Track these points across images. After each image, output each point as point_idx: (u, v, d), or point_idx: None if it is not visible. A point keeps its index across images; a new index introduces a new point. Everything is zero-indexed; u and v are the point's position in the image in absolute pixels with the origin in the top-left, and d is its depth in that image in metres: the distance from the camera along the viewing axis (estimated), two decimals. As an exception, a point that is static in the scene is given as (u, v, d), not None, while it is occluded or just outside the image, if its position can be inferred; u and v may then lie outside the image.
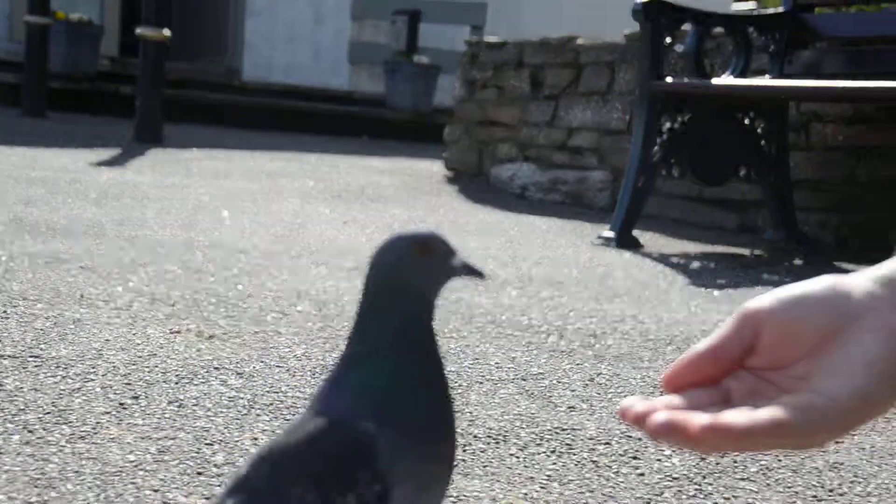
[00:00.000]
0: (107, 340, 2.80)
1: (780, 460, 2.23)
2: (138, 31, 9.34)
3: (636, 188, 5.43)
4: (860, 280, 0.98)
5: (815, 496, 2.05)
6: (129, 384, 2.44)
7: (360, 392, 1.16)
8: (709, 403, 0.97)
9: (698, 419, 0.90)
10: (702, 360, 0.99)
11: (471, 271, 1.18)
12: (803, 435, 0.91)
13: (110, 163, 7.50)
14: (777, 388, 0.97)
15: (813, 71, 5.66)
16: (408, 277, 1.17)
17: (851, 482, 2.14)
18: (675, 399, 0.98)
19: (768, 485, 2.10)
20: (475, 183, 7.93)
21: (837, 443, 2.35)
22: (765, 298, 0.99)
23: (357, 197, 6.83)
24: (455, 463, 1.20)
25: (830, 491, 2.09)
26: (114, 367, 2.57)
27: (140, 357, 2.67)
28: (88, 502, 1.79)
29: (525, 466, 2.13)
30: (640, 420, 0.91)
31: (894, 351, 0.92)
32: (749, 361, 0.99)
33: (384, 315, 1.17)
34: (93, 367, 2.55)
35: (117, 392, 2.38)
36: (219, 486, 1.90)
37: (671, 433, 0.89)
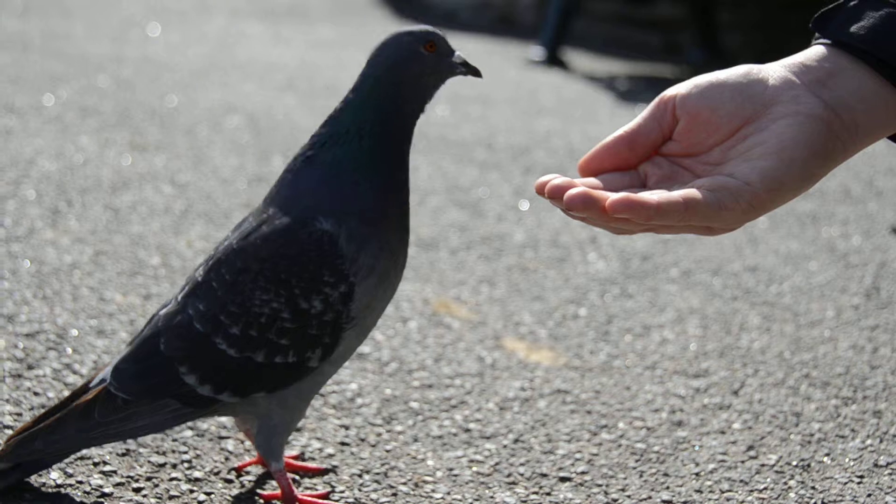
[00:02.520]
0: (38, 149, 2.79)
1: (699, 264, 2.31)
2: None
3: (564, 8, 5.42)
4: (775, 68, 0.99)
5: (732, 296, 2.14)
6: (63, 191, 2.45)
7: (330, 173, 1.17)
8: (625, 187, 0.99)
9: (613, 195, 0.92)
10: (619, 145, 1.00)
11: (470, 69, 1.22)
12: (715, 215, 0.92)
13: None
14: (693, 174, 0.99)
15: None
16: (415, 73, 1.18)
17: (767, 283, 2.23)
18: (592, 180, 0.99)
19: (688, 286, 2.18)
20: (405, 3, 7.83)
21: (752, 243, 2.44)
22: (682, 85, 1.00)
23: (286, 15, 6.73)
24: (404, 266, 1.25)
25: (747, 291, 2.17)
26: (47, 174, 2.57)
27: (73, 165, 2.67)
28: (26, 300, 1.81)
29: (455, 271, 2.19)
30: (556, 192, 0.92)
31: (807, 136, 0.94)
32: (666, 148, 1.01)
33: (376, 105, 1.18)
34: (25, 174, 2.55)
35: (51, 198, 2.39)
36: (156, 286, 1.94)
37: (586, 205, 0.90)
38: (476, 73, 1.22)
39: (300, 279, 1.15)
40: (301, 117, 3.49)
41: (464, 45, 5.94)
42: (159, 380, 1.19)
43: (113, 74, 3.97)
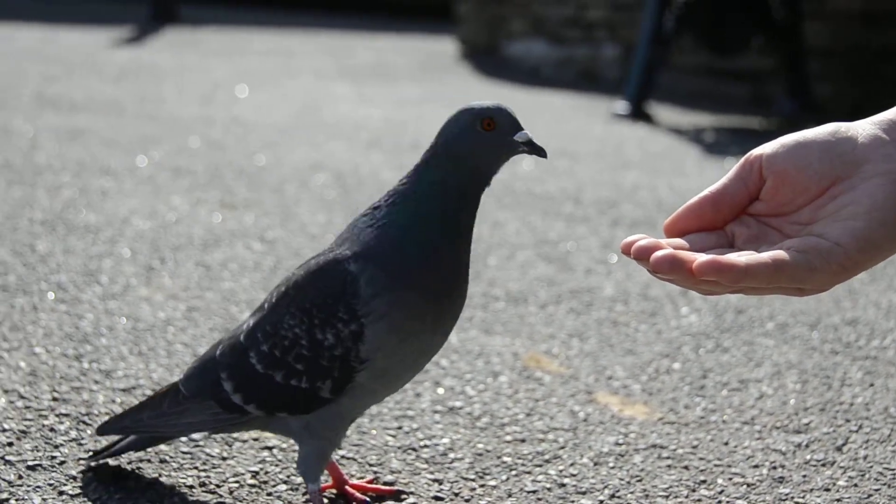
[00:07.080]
0: (133, 209, 2.84)
1: (796, 317, 2.27)
2: None
3: (648, 61, 5.40)
4: (864, 125, 0.97)
5: (832, 350, 2.09)
6: (157, 249, 2.48)
7: (380, 227, 1.22)
8: (712, 247, 0.97)
9: (700, 256, 0.90)
10: (704, 206, 0.98)
11: (533, 148, 1.22)
12: (805, 276, 0.90)
13: (127, 42, 7.47)
14: (781, 234, 0.96)
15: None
16: (467, 150, 1.21)
17: (868, 337, 2.18)
18: (679, 241, 0.98)
19: (785, 340, 2.14)
20: (488, 60, 7.88)
21: (852, 299, 2.39)
22: (769, 144, 0.98)
23: (370, 74, 6.80)
24: (445, 333, 1.27)
25: (847, 345, 2.12)
26: (140, 233, 2.61)
27: (166, 224, 2.71)
28: (122, 355, 1.84)
29: (545, 325, 2.17)
30: (642, 254, 0.90)
31: None
32: (753, 207, 0.99)
33: (439, 176, 1.22)
34: (120, 233, 2.59)
35: (145, 256, 2.42)
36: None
37: (673, 268, 0.89)
38: (541, 153, 1.22)
39: (320, 310, 1.23)
40: (387, 174, 3.51)
41: (547, 99, 5.96)
42: (207, 382, 1.31)
43: (203, 136, 4.04)
